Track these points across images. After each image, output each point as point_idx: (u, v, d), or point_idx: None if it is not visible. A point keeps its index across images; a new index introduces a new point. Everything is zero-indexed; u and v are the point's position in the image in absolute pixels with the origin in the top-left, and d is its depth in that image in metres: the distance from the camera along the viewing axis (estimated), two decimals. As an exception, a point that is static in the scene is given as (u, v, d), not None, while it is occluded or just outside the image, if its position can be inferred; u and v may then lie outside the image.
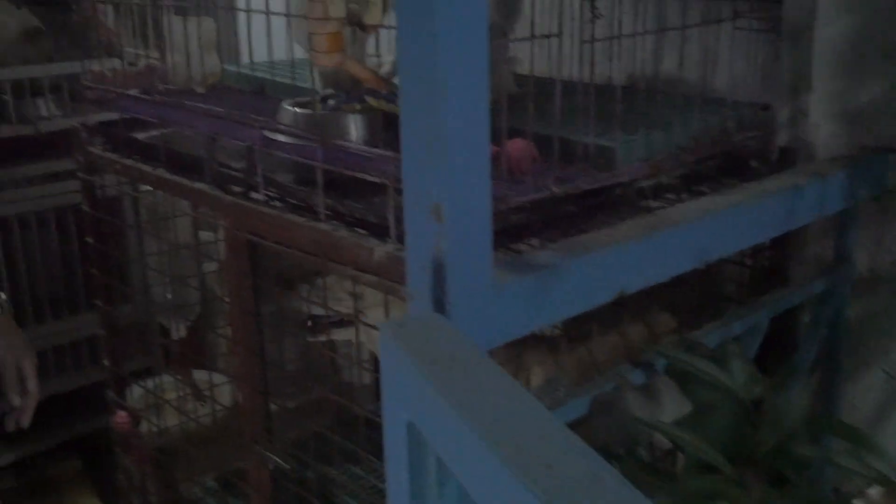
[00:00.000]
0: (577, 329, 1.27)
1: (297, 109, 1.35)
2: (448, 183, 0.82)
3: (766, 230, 1.21)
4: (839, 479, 1.41)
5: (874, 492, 1.33)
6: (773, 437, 1.07)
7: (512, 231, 1.11)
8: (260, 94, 1.78)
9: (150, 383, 1.92)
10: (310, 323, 1.46)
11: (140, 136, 1.72)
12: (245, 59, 2.10)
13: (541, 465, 0.58)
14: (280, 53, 1.75)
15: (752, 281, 1.58)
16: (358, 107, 1.33)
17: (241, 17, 2.54)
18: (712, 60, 1.38)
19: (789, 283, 1.50)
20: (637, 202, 1.25)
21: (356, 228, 1.22)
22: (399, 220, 1.15)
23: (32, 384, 1.62)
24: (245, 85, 1.81)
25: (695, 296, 1.56)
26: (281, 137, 1.33)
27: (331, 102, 1.35)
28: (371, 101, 1.32)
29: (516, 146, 1.15)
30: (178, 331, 2.07)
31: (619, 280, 1.01)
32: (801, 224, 1.27)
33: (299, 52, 1.51)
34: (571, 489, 0.56)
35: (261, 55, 1.81)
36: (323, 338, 1.48)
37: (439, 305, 0.86)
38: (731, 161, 1.40)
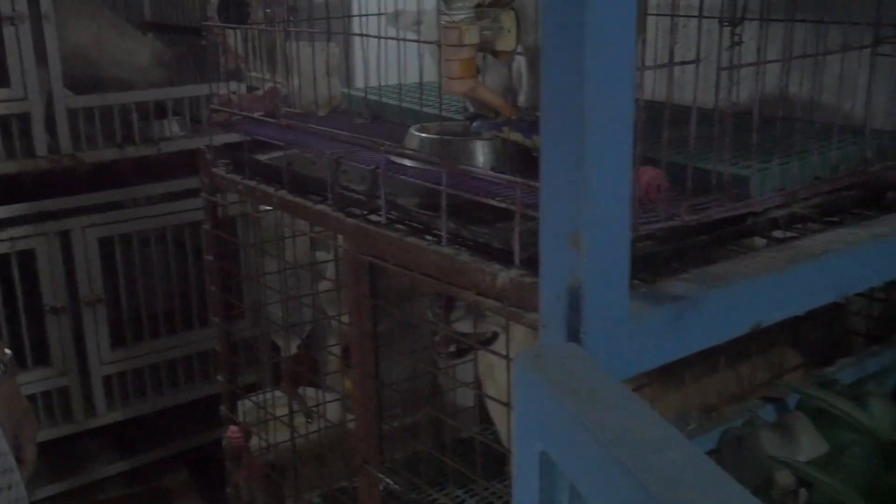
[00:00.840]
0: (704, 362, 1.23)
1: (424, 135, 1.36)
2: (588, 211, 0.81)
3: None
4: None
5: None
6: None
7: (642, 260, 1.09)
8: (378, 118, 1.81)
9: (260, 398, 1.95)
10: (451, 347, 1.46)
11: (262, 157, 1.76)
12: (358, 83, 2.14)
13: (682, 500, 0.56)
14: (392, 79, 1.77)
15: (882, 316, 1.52)
16: (489, 135, 1.33)
17: (356, 42, 2.58)
18: (851, 87, 1.33)
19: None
20: (770, 233, 1.21)
21: (479, 254, 1.22)
22: (524, 247, 1.14)
23: (29, 451, 1.53)
24: (363, 109, 1.84)
25: (823, 331, 1.50)
26: (406, 161, 1.34)
27: (471, 127, 1.36)
28: (506, 131, 1.32)
29: (648, 174, 1.13)
30: (290, 348, 2.10)
31: (755, 313, 0.97)
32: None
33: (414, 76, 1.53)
34: (731, 532, 0.53)
35: (373, 80, 1.84)
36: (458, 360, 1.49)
37: (573, 335, 0.84)
38: (868, 191, 1.34)
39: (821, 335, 1.50)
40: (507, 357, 1.25)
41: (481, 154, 1.33)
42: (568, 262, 0.83)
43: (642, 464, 0.61)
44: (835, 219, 1.32)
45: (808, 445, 0.99)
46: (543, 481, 0.78)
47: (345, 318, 1.68)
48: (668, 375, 1.24)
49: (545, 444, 0.76)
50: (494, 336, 1.45)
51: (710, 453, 1.06)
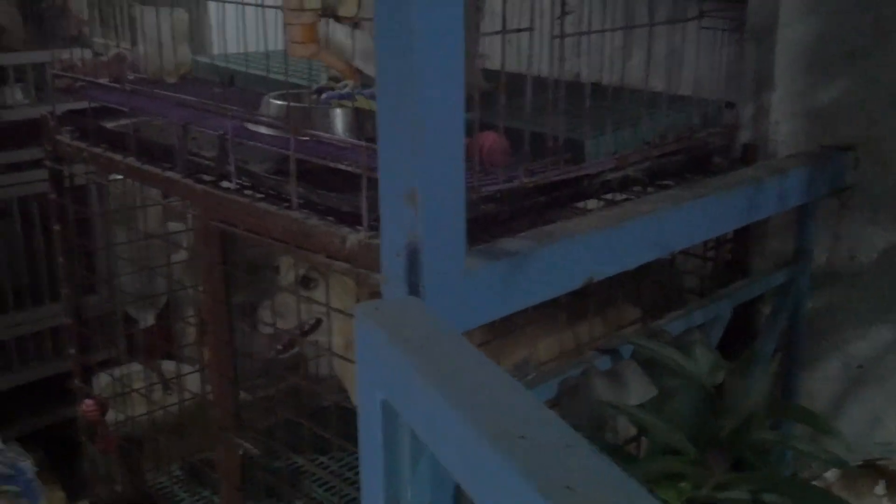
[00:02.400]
0: (546, 320, 1.29)
1: (278, 101, 1.37)
2: (423, 170, 0.84)
3: (728, 222, 1.25)
4: (798, 463, 1.45)
5: (831, 475, 1.38)
6: (735, 421, 1.10)
7: (483, 221, 1.14)
8: (230, 85, 1.79)
9: (117, 372, 1.91)
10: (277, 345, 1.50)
11: (109, 125, 1.72)
12: (214, 50, 2.11)
13: (515, 436, 0.60)
14: (247, 45, 1.76)
15: (713, 274, 1.62)
16: (348, 104, 1.35)
17: (212, 7, 2.54)
18: (678, 58, 1.41)
19: (750, 276, 1.54)
20: (605, 195, 1.28)
21: (328, 217, 1.24)
22: (371, 209, 1.17)
23: None
24: (215, 76, 1.82)
25: (658, 289, 1.60)
26: (256, 127, 1.35)
27: (323, 96, 1.37)
28: (359, 98, 1.34)
29: (489, 139, 1.18)
30: (146, 320, 2.06)
31: (587, 267, 1.04)
32: (762, 217, 1.31)
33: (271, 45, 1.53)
34: (545, 457, 0.58)
35: (228, 47, 1.82)
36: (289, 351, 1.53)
37: (413, 289, 0.88)
38: (694, 157, 1.43)
39: (657, 293, 1.60)
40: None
41: (338, 121, 1.35)
42: (406, 220, 0.86)
43: (476, 405, 0.65)
44: (666, 182, 1.41)
45: (638, 390, 1.07)
46: (386, 429, 0.81)
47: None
48: (509, 335, 1.30)
49: (386, 392, 0.79)
50: (318, 322, 1.50)
51: (548, 403, 1.12)
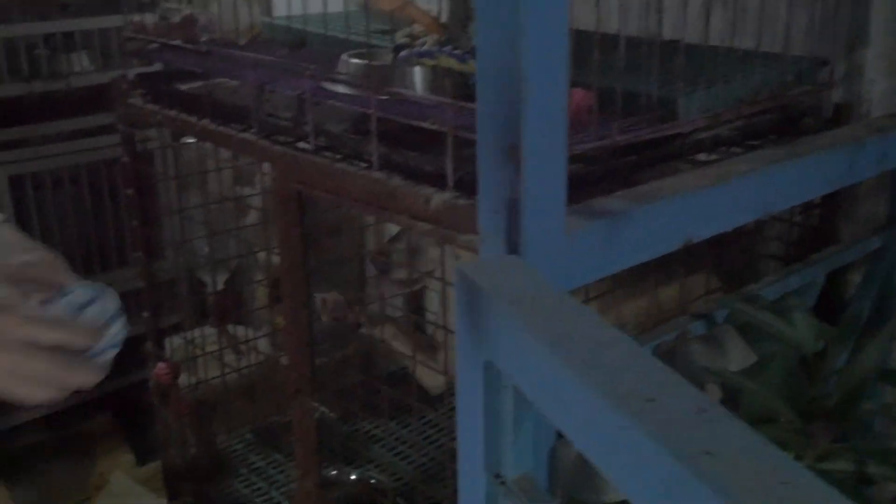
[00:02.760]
0: (633, 286, 1.26)
1: (356, 60, 1.34)
2: (526, 125, 0.81)
3: (829, 183, 1.20)
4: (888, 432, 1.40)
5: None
6: (839, 389, 1.06)
7: (572, 181, 1.10)
8: (301, 46, 1.77)
9: (189, 336, 1.92)
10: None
11: (182, 87, 1.71)
12: (282, 11, 2.08)
13: (643, 399, 0.57)
14: (315, 7, 1.73)
15: (800, 239, 1.57)
16: (429, 63, 1.31)
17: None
18: (770, 14, 1.35)
19: (840, 241, 1.49)
20: (695, 156, 1.23)
21: (411, 178, 1.21)
22: (457, 169, 1.14)
23: None
24: (285, 37, 1.79)
25: (740, 256, 1.55)
26: (334, 87, 1.32)
27: (402, 54, 1.34)
28: (440, 58, 1.30)
29: (578, 96, 1.14)
30: (216, 284, 2.07)
31: (686, 228, 1.00)
32: (863, 178, 1.26)
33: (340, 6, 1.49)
34: (679, 421, 0.55)
35: (295, 8, 1.79)
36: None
37: (512, 248, 0.85)
38: (786, 116, 1.38)
39: (740, 261, 1.55)
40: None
41: (418, 80, 1.32)
42: (506, 176, 0.83)
43: (587, 362, 0.62)
44: (757, 142, 1.36)
45: (737, 356, 1.03)
46: (488, 390, 0.79)
47: (274, 254, 1.67)
48: (600, 298, 1.27)
49: (489, 353, 0.77)
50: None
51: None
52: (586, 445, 0.62)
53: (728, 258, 1.52)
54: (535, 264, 0.84)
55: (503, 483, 0.81)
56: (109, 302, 0.87)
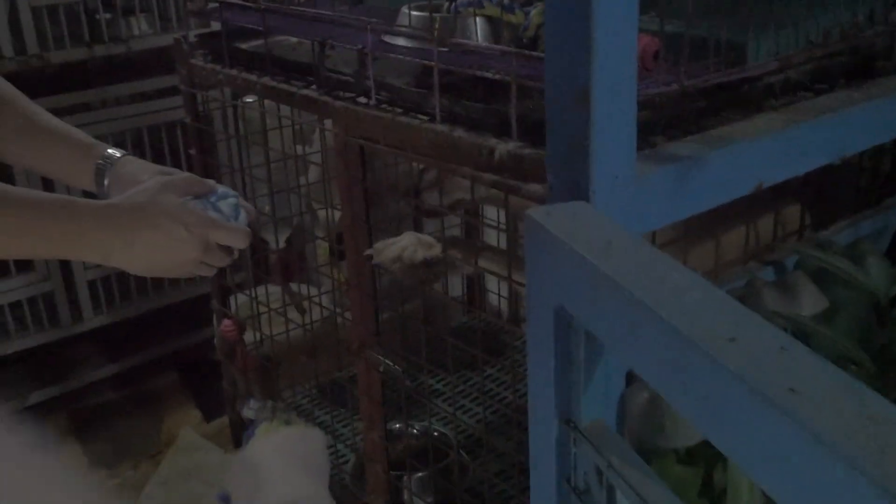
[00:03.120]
0: (708, 221, 1.24)
1: (416, 12, 1.34)
2: (595, 69, 0.80)
3: (902, 125, 1.17)
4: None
5: None
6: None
7: (641, 127, 1.08)
8: (359, 2, 1.77)
9: (253, 293, 1.95)
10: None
11: (243, 46, 1.72)
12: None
13: (724, 339, 0.57)
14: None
15: (870, 186, 1.54)
16: (479, 12, 1.30)
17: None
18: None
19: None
20: (765, 101, 1.20)
21: (474, 130, 1.20)
22: (521, 120, 1.13)
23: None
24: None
25: (814, 201, 1.52)
26: (395, 39, 1.32)
27: (455, 4, 1.33)
28: (489, 7, 1.29)
29: (642, 41, 1.12)
30: (279, 241, 2.09)
31: (757, 172, 0.98)
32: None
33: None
34: (762, 360, 0.54)
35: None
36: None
37: (583, 194, 0.84)
38: (859, 59, 1.34)
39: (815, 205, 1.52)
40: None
41: (479, 31, 1.31)
42: (576, 121, 0.82)
43: (666, 304, 0.62)
44: (826, 86, 1.33)
45: (809, 301, 1.01)
46: (559, 336, 0.79)
47: (334, 211, 1.68)
48: (673, 240, 1.25)
49: (561, 297, 0.77)
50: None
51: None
52: (666, 388, 0.61)
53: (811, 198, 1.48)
54: (606, 210, 0.84)
55: (575, 428, 0.81)
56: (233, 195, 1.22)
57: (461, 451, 1.87)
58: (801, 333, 1.04)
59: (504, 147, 1.13)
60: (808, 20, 1.24)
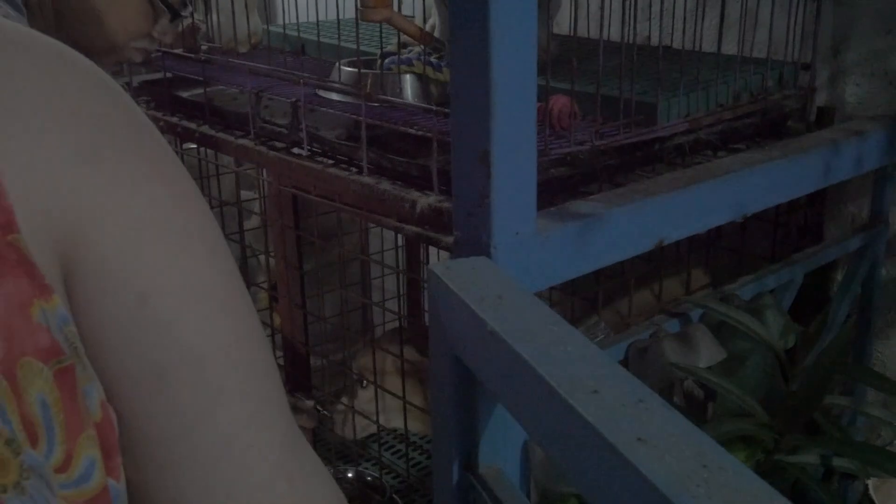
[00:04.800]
0: (615, 285, 1.29)
1: (349, 68, 1.39)
2: (496, 130, 0.85)
3: (803, 185, 1.23)
4: (869, 429, 1.43)
5: (905, 442, 1.36)
6: (806, 385, 1.09)
7: (553, 184, 1.14)
8: (301, 54, 1.81)
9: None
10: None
11: (184, 94, 1.76)
12: (284, 20, 2.13)
13: (588, 390, 0.61)
14: (311, 15, 1.78)
15: (785, 239, 1.60)
16: (408, 69, 1.36)
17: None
18: (753, 20, 1.39)
19: (824, 241, 1.52)
20: (675, 159, 1.27)
21: (399, 183, 1.25)
22: (441, 174, 1.18)
23: None
24: (286, 45, 1.84)
25: (728, 255, 1.58)
26: (328, 94, 1.36)
27: (386, 61, 1.38)
28: (417, 65, 1.35)
29: (559, 102, 1.18)
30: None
31: (659, 229, 1.03)
32: (839, 180, 1.29)
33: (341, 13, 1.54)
34: (617, 411, 0.59)
35: (299, 16, 1.84)
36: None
37: (484, 249, 0.89)
38: (769, 120, 1.41)
39: (728, 260, 1.58)
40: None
41: (408, 87, 1.36)
42: (478, 180, 0.87)
43: (549, 361, 0.66)
44: (739, 146, 1.39)
45: (707, 353, 1.06)
46: (458, 385, 0.83)
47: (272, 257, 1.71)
48: (581, 297, 1.30)
49: (457, 349, 0.81)
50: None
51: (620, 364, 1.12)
52: (537, 434, 0.66)
53: (717, 258, 1.55)
54: (507, 265, 0.88)
55: (475, 475, 0.85)
56: None
57: (394, 495, 1.89)
58: (703, 383, 1.09)
59: (425, 200, 1.18)
60: (718, 83, 1.31)
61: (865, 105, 1.49)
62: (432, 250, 2.11)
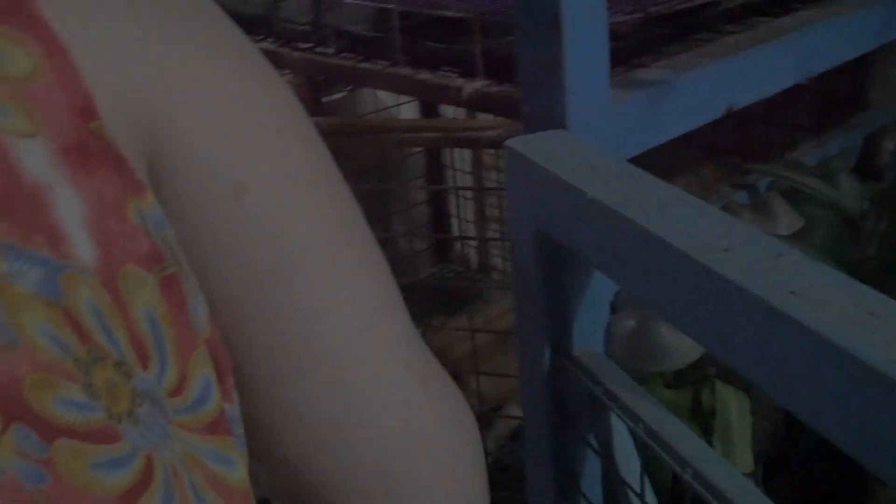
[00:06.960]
0: (672, 163, 1.25)
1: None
2: (565, -7, 0.79)
3: (865, 42, 1.17)
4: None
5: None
6: (880, 253, 1.05)
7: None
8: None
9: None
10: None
11: None
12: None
13: (719, 249, 0.57)
14: None
15: (827, 108, 1.54)
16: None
17: None
18: None
19: (871, 107, 1.46)
20: (726, 25, 1.20)
21: (438, 70, 1.19)
22: (486, 56, 1.12)
23: None
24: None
25: (761, 131, 1.53)
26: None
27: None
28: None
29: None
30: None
31: (728, 95, 0.98)
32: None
33: None
34: (759, 267, 0.54)
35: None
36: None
37: (558, 123, 0.83)
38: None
39: (766, 136, 1.53)
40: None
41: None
42: (548, 49, 0.81)
43: (664, 222, 0.61)
44: (779, 11, 1.33)
45: (786, 221, 1.02)
46: (545, 262, 0.79)
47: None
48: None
49: (545, 224, 0.76)
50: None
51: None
52: (660, 304, 0.61)
53: (754, 134, 1.50)
54: (583, 137, 0.83)
55: (569, 358, 0.81)
56: None
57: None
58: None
59: (471, 85, 1.12)
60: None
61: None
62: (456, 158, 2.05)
